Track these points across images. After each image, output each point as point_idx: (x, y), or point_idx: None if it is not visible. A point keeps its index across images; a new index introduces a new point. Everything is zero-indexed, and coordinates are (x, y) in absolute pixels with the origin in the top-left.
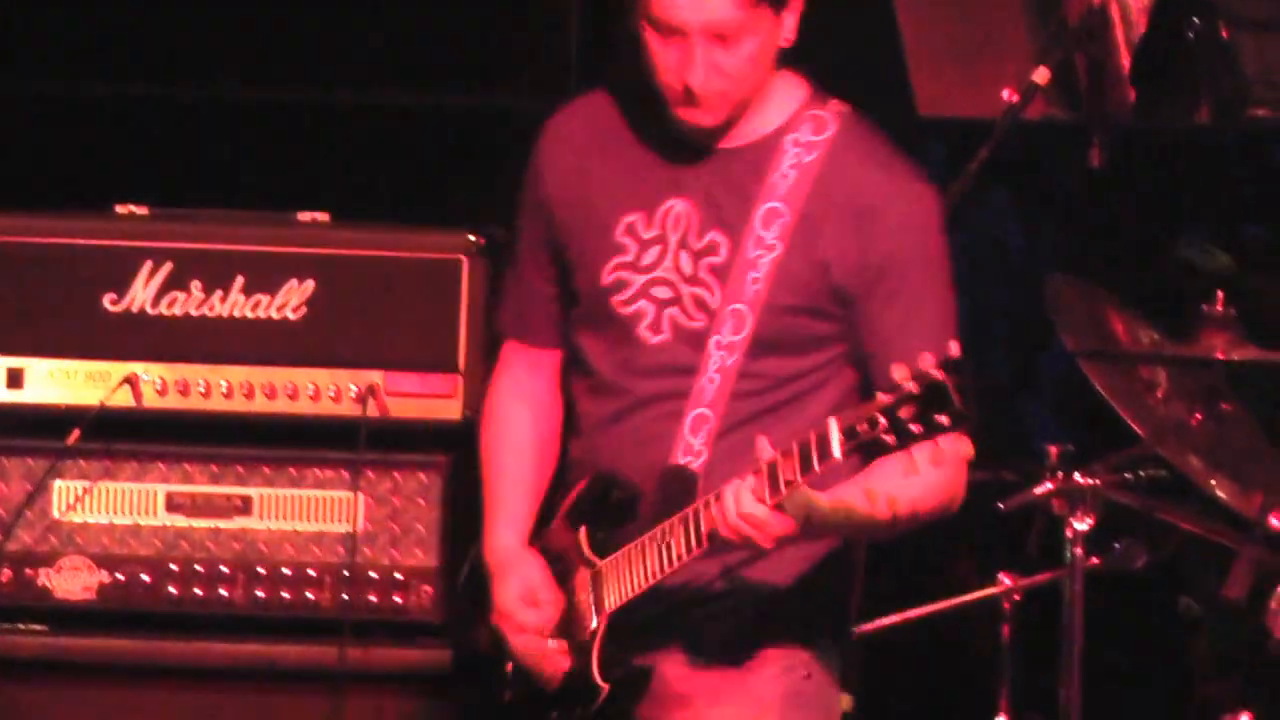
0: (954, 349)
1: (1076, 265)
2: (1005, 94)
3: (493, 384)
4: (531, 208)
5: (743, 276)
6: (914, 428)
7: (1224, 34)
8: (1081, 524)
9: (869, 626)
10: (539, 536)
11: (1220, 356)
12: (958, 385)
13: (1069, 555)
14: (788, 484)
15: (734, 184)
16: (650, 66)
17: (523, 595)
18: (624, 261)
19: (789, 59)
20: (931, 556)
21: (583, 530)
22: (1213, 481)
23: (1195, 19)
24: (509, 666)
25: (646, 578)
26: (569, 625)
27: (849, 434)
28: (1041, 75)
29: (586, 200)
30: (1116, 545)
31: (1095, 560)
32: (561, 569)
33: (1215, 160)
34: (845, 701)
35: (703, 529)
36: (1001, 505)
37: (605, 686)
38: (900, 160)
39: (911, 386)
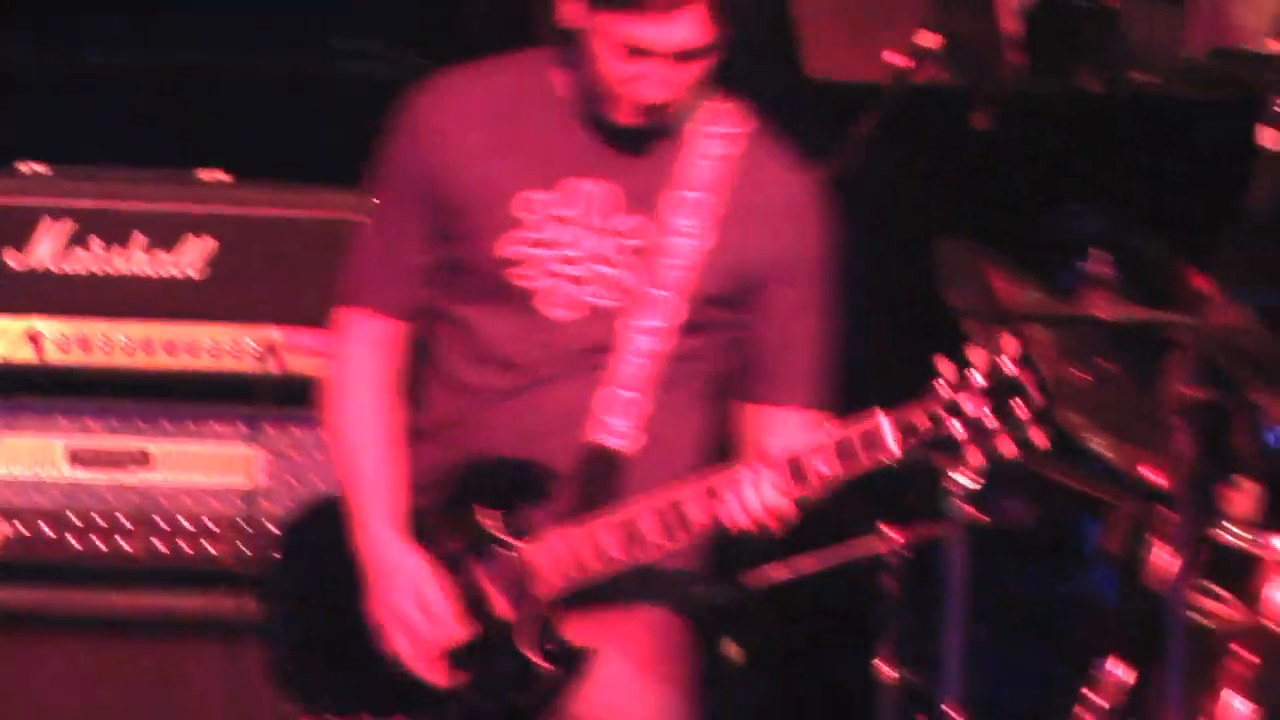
0: (1014, 346)
1: (963, 228)
2: (893, 58)
3: (343, 358)
4: (407, 175)
5: (667, 262)
6: (989, 423)
7: (1109, 1)
8: (963, 480)
9: (759, 577)
10: (420, 519)
11: (1099, 315)
12: (1035, 380)
13: (953, 511)
14: (820, 477)
15: (648, 169)
16: (598, 72)
17: (416, 602)
18: (524, 236)
19: None
20: (820, 512)
21: (487, 512)
22: (1094, 438)
23: None
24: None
25: (603, 565)
26: (472, 613)
27: (907, 430)
28: (930, 40)
29: (479, 170)
30: (1001, 500)
31: (980, 516)
32: (455, 553)
33: (1100, 124)
34: (735, 651)
35: (694, 519)
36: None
37: (550, 668)
38: (802, 166)
39: (982, 381)
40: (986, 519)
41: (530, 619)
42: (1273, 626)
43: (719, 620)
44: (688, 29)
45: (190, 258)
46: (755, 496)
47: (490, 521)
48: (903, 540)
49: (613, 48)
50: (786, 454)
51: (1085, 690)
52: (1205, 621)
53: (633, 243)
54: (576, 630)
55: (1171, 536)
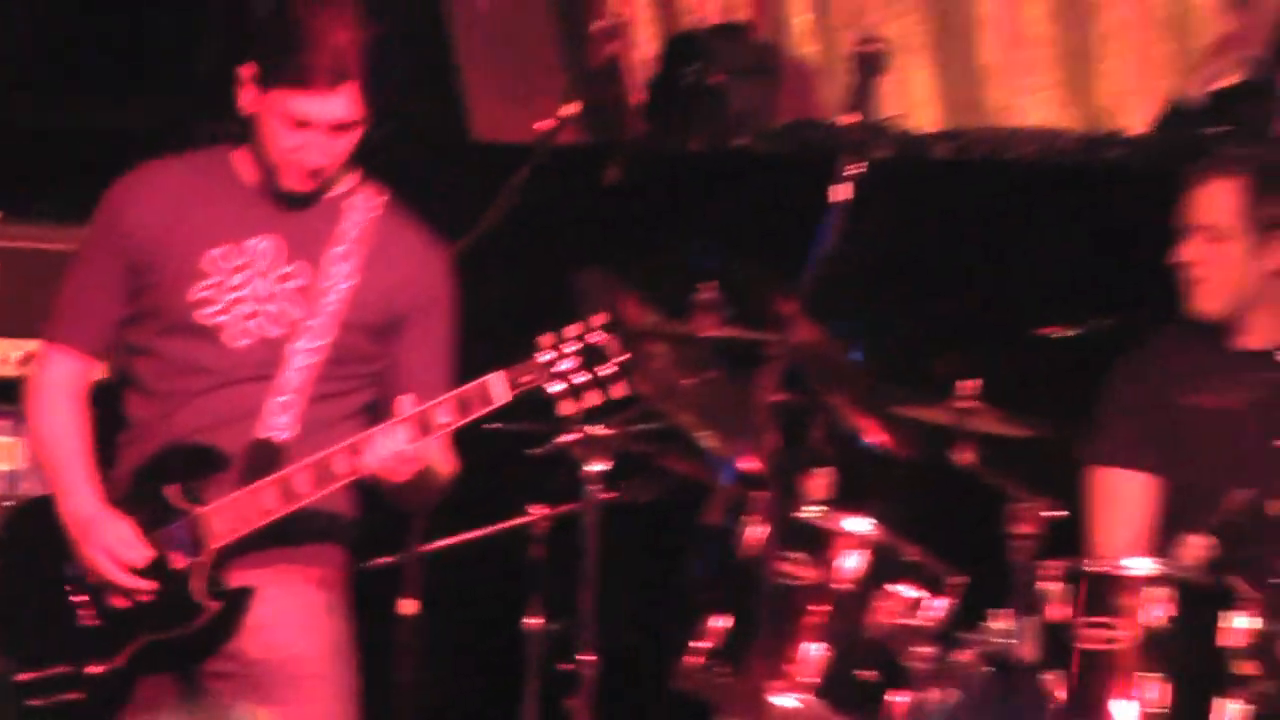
0: (601, 318)
1: (601, 260)
2: (542, 124)
3: (41, 380)
4: (109, 243)
5: (322, 299)
6: (578, 377)
7: (713, 78)
8: (597, 466)
9: (430, 546)
10: (117, 496)
11: (707, 334)
12: (616, 343)
13: (587, 491)
14: (442, 426)
15: (311, 229)
16: (269, 146)
17: (119, 540)
18: (210, 284)
19: None
20: (479, 489)
21: (172, 486)
22: (702, 434)
23: (692, 66)
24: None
25: (263, 516)
26: (160, 562)
27: (514, 383)
28: (571, 109)
29: (171, 236)
30: (626, 482)
31: (609, 494)
32: (147, 518)
33: (707, 178)
34: (410, 606)
35: (339, 470)
36: (533, 451)
37: (212, 605)
38: (427, 230)
39: (574, 345)
40: (614, 495)
41: (201, 569)
42: (842, 586)
43: (399, 579)
44: (343, 105)
45: None
46: (388, 447)
47: (171, 491)
48: (547, 516)
49: (282, 121)
50: (416, 410)
51: (694, 640)
52: (789, 582)
53: (295, 284)
54: (245, 576)
55: (762, 513)
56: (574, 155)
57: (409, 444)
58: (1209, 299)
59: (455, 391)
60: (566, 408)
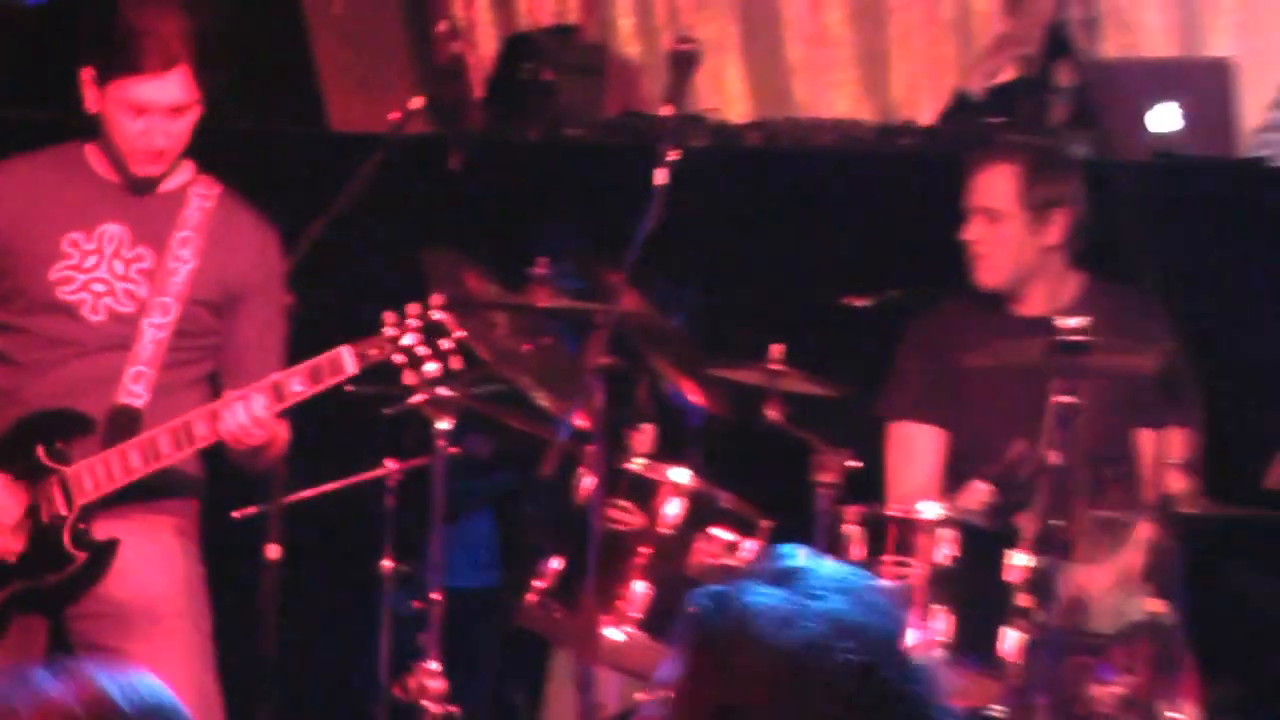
0: (439, 299)
1: (446, 240)
2: (393, 115)
3: None
4: None
5: (167, 278)
6: (420, 350)
7: (547, 75)
8: (444, 424)
9: (293, 497)
10: None
11: (542, 305)
12: (453, 319)
13: (435, 447)
14: (295, 394)
15: (155, 217)
16: (115, 136)
17: None
18: (68, 265)
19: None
20: (339, 445)
21: (41, 447)
22: (538, 394)
23: (528, 64)
24: None
25: (127, 474)
26: (32, 516)
27: (362, 356)
28: (417, 102)
29: (31, 223)
30: (469, 438)
31: (454, 449)
32: (19, 475)
33: (544, 164)
34: (274, 551)
35: (199, 434)
36: (387, 411)
37: (79, 555)
38: (260, 216)
39: (416, 322)
40: (457, 450)
41: (69, 522)
42: (664, 530)
43: (265, 527)
44: (177, 87)
45: None
46: (246, 413)
47: (40, 452)
48: (399, 469)
49: (124, 110)
50: (271, 380)
51: (534, 579)
52: (616, 527)
53: (141, 265)
54: (109, 528)
55: (592, 465)
56: (421, 144)
57: (264, 411)
58: (990, 273)
59: (308, 362)
60: (409, 377)
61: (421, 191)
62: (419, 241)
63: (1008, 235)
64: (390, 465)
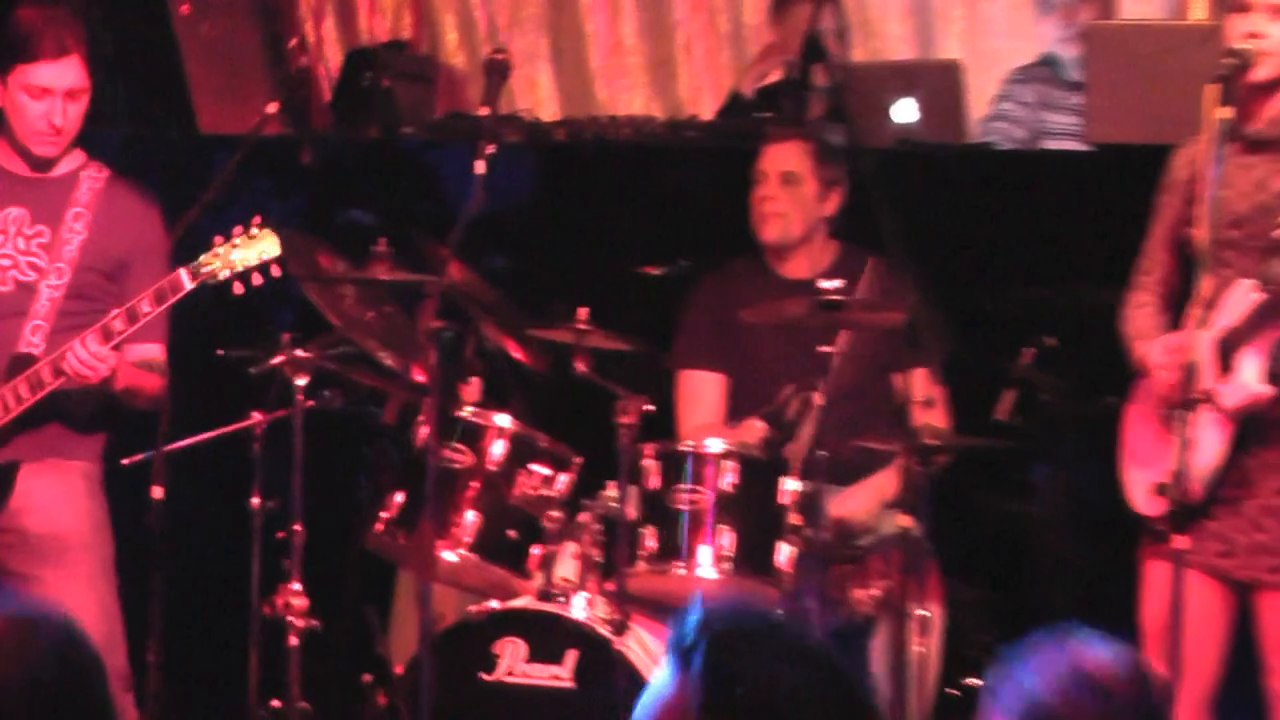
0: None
1: (300, 225)
2: (253, 119)
3: None
4: None
5: (61, 248)
6: (245, 264)
7: (384, 83)
8: (301, 381)
9: (175, 445)
10: None
11: (382, 277)
12: (272, 235)
13: (295, 400)
14: (145, 314)
15: (51, 198)
16: (17, 122)
17: None
18: None
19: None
20: (214, 400)
21: None
22: (381, 354)
23: (368, 73)
24: None
25: (20, 404)
26: None
27: (195, 273)
28: (273, 107)
29: None
30: (324, 393)
31: (311, 402)
32: None
33: (383, 158)
34: (159, 492)
35: (46, 377)
36: (253, 370)
37: None
38: (143, 189)
39: (241, 238)
40: (314, 403)
41: None
42: (491, 467)
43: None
44: (72, 71)
45: None
46: (83, 348)
47: None
48: (264, 420)
49: (25, 94)
50: (124, 306)
51: (381, 511)
52: (450, 465)
53: (40, 240)
54: (26, 472)
55: (428, 413)
56: (278, 143)
57: (97, 346)
58: (782, 230)
59: (152, 286)
60: (238, 288)
61: (280, 183)
62: (278, 226)
63: (803, 197)
64: (257, 417)
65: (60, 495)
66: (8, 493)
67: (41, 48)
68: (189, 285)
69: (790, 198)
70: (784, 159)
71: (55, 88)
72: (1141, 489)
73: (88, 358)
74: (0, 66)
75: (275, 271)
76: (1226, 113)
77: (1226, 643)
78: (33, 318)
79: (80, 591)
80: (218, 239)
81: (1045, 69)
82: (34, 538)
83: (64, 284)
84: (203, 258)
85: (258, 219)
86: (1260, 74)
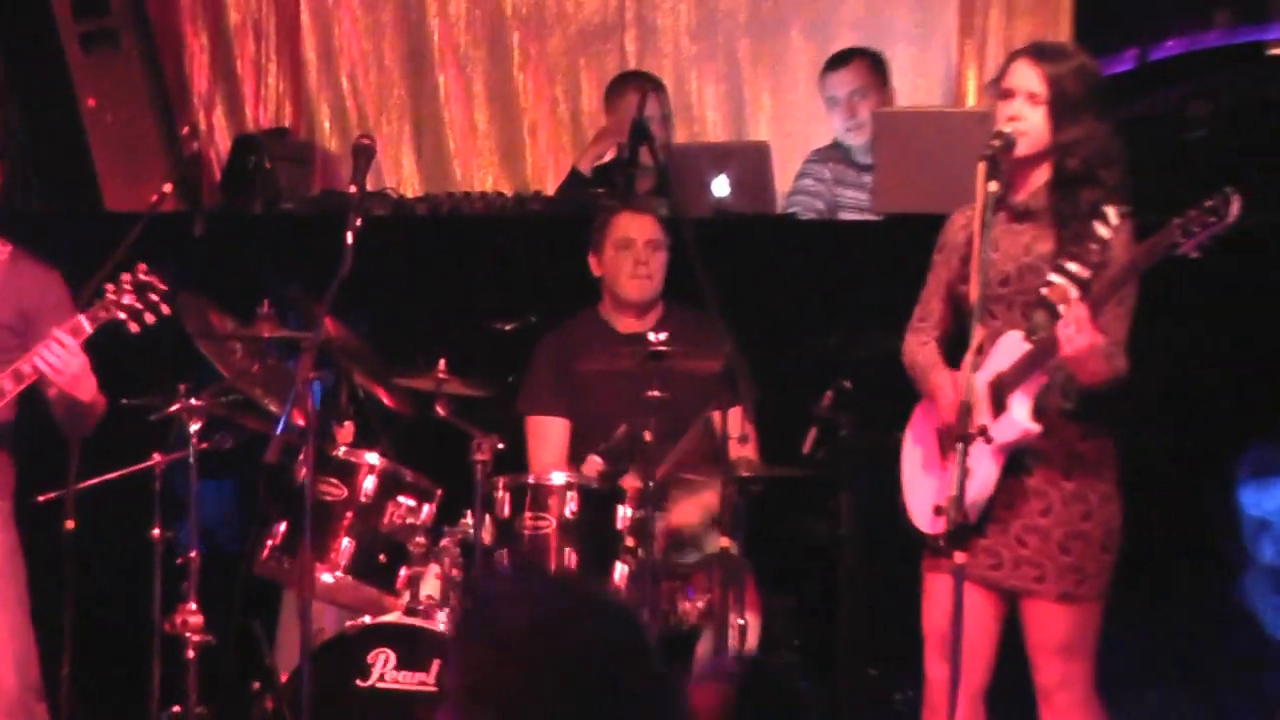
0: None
1: (192, 288)
2: (151, 196)
3: None
4: None
5: None
6: (137, 306)
7: (267, 164)
8: (195, 425)
9: (84, 484)
10: None
11: (265, 334)
12: (156, 279)
13: (189, 442)
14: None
15: None
16: None
17: None
18: None
19: None
20: (119, 443)
21: None
22: (266, 401)
23: (252, 156)
24: None
25: None
26: None
27: (94, 319)
28: (168, 187)
29: None
30: (215, 435)
31: (204, 444)
32: None
33: (266, 230)
34: (70, 524)
35: (26, 371)
36: (153, 417)
37: None
38: (43, 258)
39: (130, 286)
40: (206, 445)
41: None
42: (363, 499)
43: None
44: None
45: None
46: (57, 346)
47: None
48: (164, 460)
49: None
50: (66, 326)
51: (267, 539)
52: (326, 498)
53: None
54: None
55: (307, 452)
56: (173, 217)
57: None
58: (649, 289)
59: (62, 325)
60: (133, 327)
61: (173, 253)
62: (174, 289)
63: (661, 260)
64: (157, 457)
65: None
66: None
67: None
68: (88, 329)
69: (656, 261)
70: (647, 228)
71: None
72: (923, 511)
73: (61, 351)
74: None
75: (166, 309)
76: (994, 186)
77: (996, 643)
78: None
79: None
80: (108, 286)
81: (838, 150)
82: None
83: None
84: (98, 304)
85: (142, 266)
86: (1020, 152)
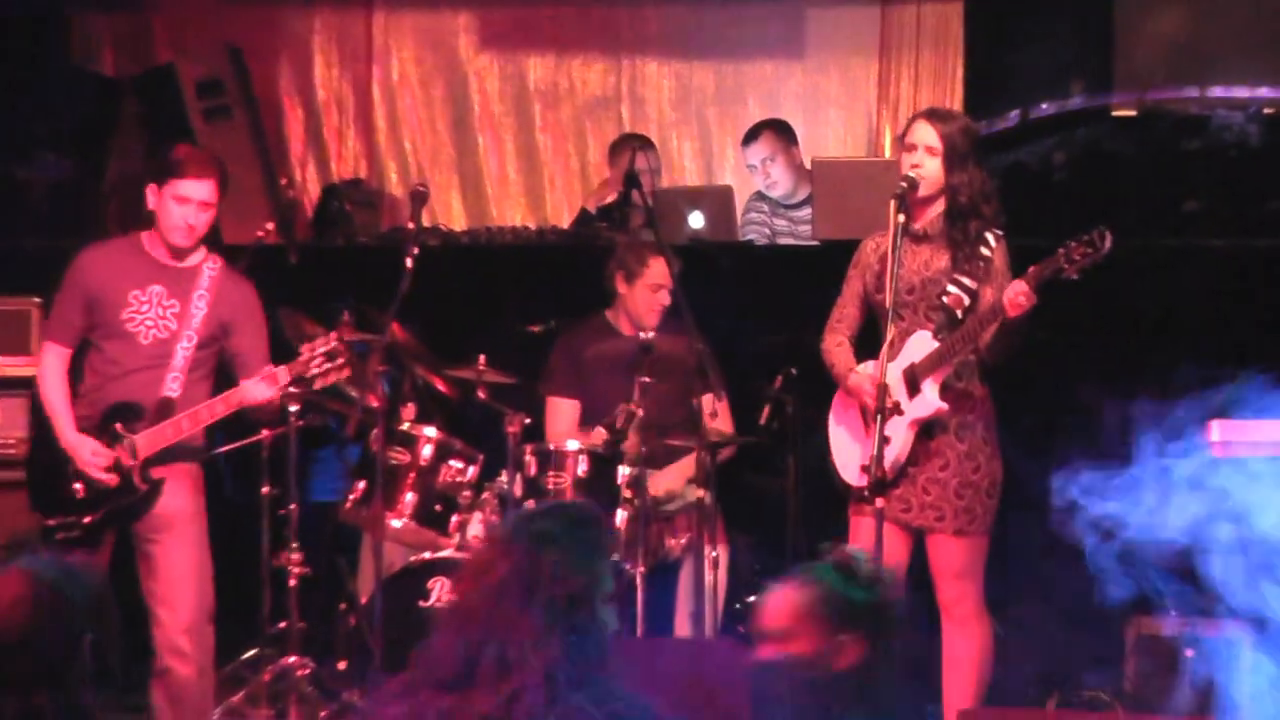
0: (335, 335)
1: (294, 304)
2: (257, 232)
3: (45, 362)
4: (75, 290)
5: (190, 318)
6: (325, 366)
7: (347, 207)
8: (294, 407)
9: (224, 449)
10: (86, 426)
11: (347, 337)
12: (341, 347)
13: (289, 419)
14: (283, 385)
15: (183, 280)
16: (164, 221)
17: (94, 453)
18: (132, 307)
19: None
20: (237, 422)
21: (117, 424)
22: (348, 387)
23: (335, 201)
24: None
25: (175, 435)
26: (116, 463)
27: (293, 372)
28: (271, 224)
29: (110, 283)
30: (309, 415)
31: (300, 422)
32: (108, 440)
33: (347, 260)
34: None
35: (217, 410)
36: None
37: (144, 487)
38: (244, 278)
39: (323, 348)
40: (302, 422)
41: (136, 467)
42: (423, 463)
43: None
44: (208, 189)
45: None
46: (255, 386)
47: (119, 425)
48: (271, 434)
49: (174, 201)
50: (269, 374)
51: (349, 494)
52: (394, 462)
53: (173, 310)
54: (159, 472)
55: (379, 427)
56: (274, 249)
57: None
58: (661, 318)
59: (266, 372)
60: (320, 383)
61: (279, 277)
62: (279, 305)
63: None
64: (265, 433)
65: (177, 489)
66: (157, 497)
67: (188, 170)
68: (285, 379)
69: (667, 298)
70: (669, 275)
71: (194, 199)
72: (851, 468)
73: (270, 391)
74: (156, 183)
75: (344, 373)
76: (901, 218)
77: (906, 569)
78: (171, 368)
79: (187, 552)
80: (305, 348)
81: (765, 197)
82: (157, 516)
83: (193, 345)
84: (297, 362)
85: (335, 335)
86: (921, 192)
